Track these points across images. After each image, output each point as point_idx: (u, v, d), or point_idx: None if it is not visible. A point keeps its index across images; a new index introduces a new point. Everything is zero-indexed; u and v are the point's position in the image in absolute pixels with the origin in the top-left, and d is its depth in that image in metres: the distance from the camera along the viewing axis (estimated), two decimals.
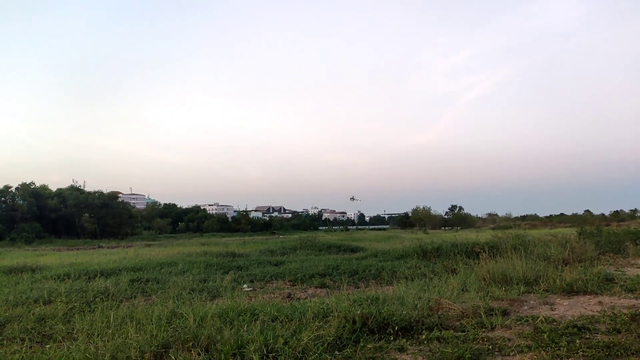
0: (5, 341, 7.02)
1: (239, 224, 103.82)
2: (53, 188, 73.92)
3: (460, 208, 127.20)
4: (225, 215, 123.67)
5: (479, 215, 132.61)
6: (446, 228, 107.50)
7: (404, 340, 6.54)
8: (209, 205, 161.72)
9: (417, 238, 28.74)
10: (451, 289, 10.11)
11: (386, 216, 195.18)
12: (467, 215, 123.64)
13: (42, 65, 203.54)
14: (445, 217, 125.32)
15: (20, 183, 68.04)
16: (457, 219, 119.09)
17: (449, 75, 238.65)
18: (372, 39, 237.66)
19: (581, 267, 12.73)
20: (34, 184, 69.89)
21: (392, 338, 6.62)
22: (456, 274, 12.76)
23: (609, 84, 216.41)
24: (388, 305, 7.98)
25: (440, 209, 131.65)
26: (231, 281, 13.68)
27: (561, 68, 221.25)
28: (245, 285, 13.32)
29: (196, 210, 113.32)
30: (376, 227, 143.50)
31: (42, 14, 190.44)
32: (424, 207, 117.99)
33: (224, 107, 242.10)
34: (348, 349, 6.08)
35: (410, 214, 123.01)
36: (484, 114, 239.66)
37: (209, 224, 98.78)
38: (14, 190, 66.73)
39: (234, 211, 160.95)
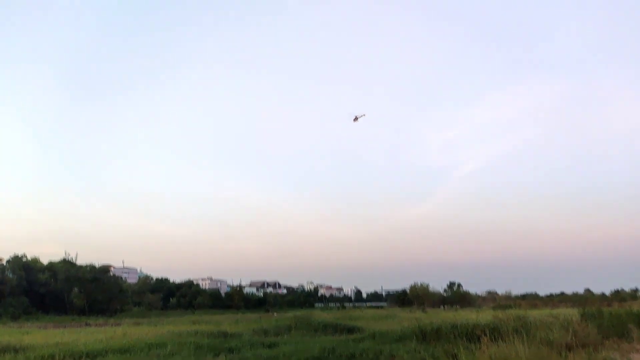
0: None
1: (232, 300, 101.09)
2: (45, 260, 72.61)
3: (459, 285, 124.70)
4: (219, 291, 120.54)
5: (479, 293, 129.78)
6: (445, 306, 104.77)
7: None
8: (202, 279, 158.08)
9: (415, 318, 28.01)
10: None
11: (384, 293, 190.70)
12: (467, 293, 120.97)
13: (33, 137, 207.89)
14: (444, 294, 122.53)
15: (12, 255, 66.97)
16: (456, 297, 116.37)
17: (443, 149, 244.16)
18: (366, 111, 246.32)
19: (585, 353, 12.35)
20: (25, 256, 68.72)
21: None
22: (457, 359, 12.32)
23: (603, 161, 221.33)
24: None
25: (438, 285, 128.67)
26: None
27: (555, 142, 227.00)
28: None
29: (189, 285, 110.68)
30: (374, 304, 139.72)
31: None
32: (422, 284, 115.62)
33: (218, 178, 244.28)
34: None
35: (408, 291, 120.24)
36: (479, 188, 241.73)
37: (201, 300, 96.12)
38: (4, 263, 65.51)
39: (228, 286, 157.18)
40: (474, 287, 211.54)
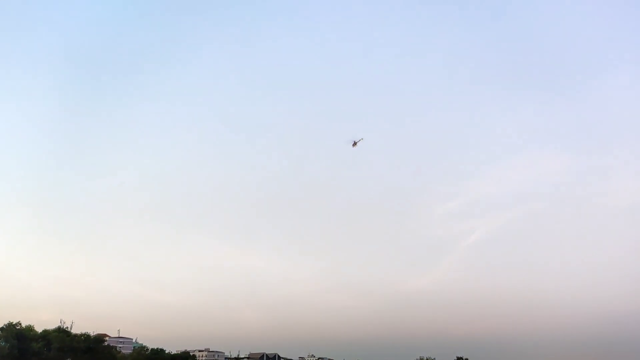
0: None
1: None
2: (40, 328, 71.03)
3: None
4: None
5: None
6: None
7: None
8: (199, 351, 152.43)
9: None
10: None
11: None
12: None
13: (34, 199, 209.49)
14: None
15: (7, 323, 65.63)
16: None
17: (446, 220, 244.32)
18: (371, 181, 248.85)
19: None
20: (20, 324, 67.27)
21: None
22: None
23: (607, 232, 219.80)
24: None
25: (445, 359, 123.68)
26: None
27: (559, 215, 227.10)
28: None
29: (185, 356, 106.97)
30: None
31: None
32: (427, 358, 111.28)
33: (218, 247, 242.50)
34: None
35: None
36: (484, 257, 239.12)
37: None
38: None
39: (225, 358, 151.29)
40: None
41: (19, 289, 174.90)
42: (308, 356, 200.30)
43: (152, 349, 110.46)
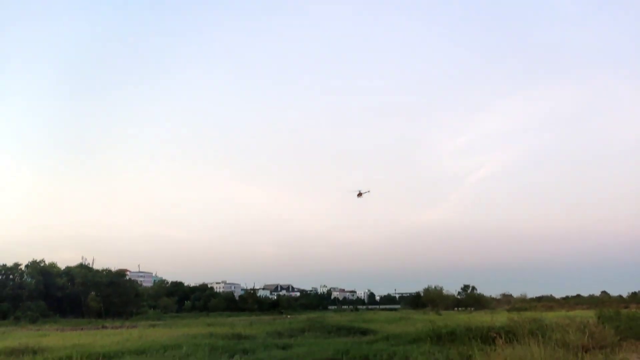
0: None
1: (246, 303, 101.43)
2: (62, 265, 73.73)
3: (473, 288, 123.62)
4: (233, 294, 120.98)
5: (493, 296, 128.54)
6: (459, 309, 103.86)
7: None
8: (217, 283, 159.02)
9: (429, 320, 27.85)
10: None
11: (397, 295, 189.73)
12: (481, 296, 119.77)
13: (53, 146, 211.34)
14: (458, 297, 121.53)
15: (30, 261, 68.14)
16: (471, 299, 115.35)
17: (456, 155, 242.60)
18: (380, 115, 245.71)
19: (602, 355, 12.20)
20: (43, 261, 69.80)
21: None
22: None
23: (615, 163, 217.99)
24: None
25: (452, 288, 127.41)
26: None
27: (567, 148, 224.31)
28: None
29: (203, 288, 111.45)
30: (387, 307, 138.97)
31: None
32: (435, 287, 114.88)
33: (231, 183, 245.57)
34: None
35: (422, 294, 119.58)
36: (492, 192, 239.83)
37: (215, 302, 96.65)
38: (23, 268, 66.66)
39: (242, 289, 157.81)
40: (489, 289, 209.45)
41: (40, 229, 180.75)
42: (320, 287, 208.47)
43: (172, 282, 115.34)
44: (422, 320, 36.94)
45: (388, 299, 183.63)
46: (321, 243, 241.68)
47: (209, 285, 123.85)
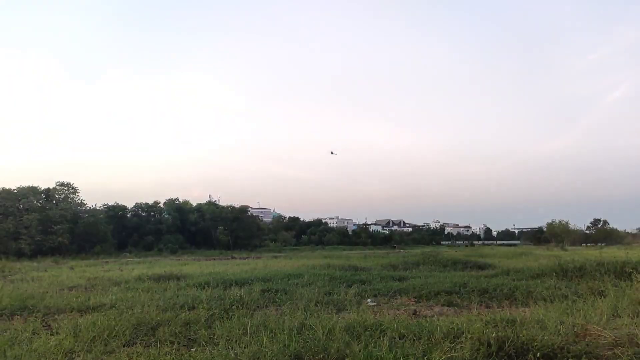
0: (158, 343, 7.80)
1: (359, 237, 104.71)
2: (193, 202, 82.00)
3: (605, 222, 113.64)
4: (346, 229, 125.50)
5: (628, 230, 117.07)
6: (588, 244, 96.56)
7: None
8: (330, 218, 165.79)
9: (554, 255, 26.28)
10: (599, 314, 8.98)
11: (516, 231, 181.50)
12: (613, 230, 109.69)
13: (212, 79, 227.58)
14: (587, 232, 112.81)
15: (167, 199, 76.80)
16: (601, 234, 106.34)
17: (587, 74, 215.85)
18: (500, 36, 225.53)
19: None
20: (178, 199, 78.36)
21: None
22: (604, 297, 11.34)
23: None
24: (526, 328, 7.35)
25: (580, 222, 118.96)
26: (355, 295, 13.74)
27: None
28: (369, 300, 13.29)
29: (318, 223, 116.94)
30: (505, 242, 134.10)
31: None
32: (560, 221, 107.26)
33: (344, 120, 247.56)
34: None
35: (544, 229, 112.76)
36: (630, 116, 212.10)
37: (330, 237, 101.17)
38: (161, 206, 75.38)
39: (354, 224, 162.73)
40: (623, 224, 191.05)
41: (173, 170, 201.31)
42: (433, 222, 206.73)
43: (289, 218, 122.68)
44: (545, 256, 35.00)
45: (506, 235, 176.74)
46: (434, 177, 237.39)
47: (323, 221, 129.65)
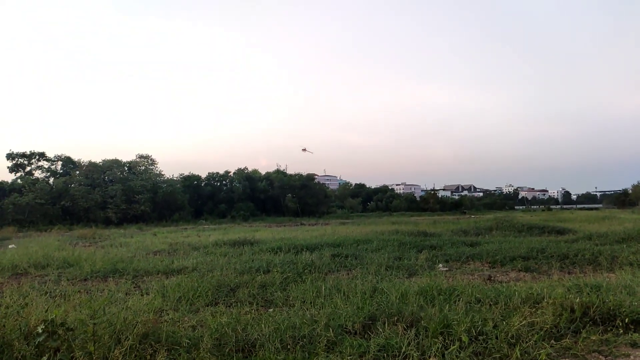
0: (238, 303, 8.24)
1: (427, 203, 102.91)
2: (262, 171, 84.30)
3: None
4: (413, 195, 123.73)
5: None
6: None
7: (637, 335, 5.65)
8: (397, 185, 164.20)
9: None
10: None
11: (598, 194, 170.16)
12: None
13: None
14: None
15: (237, 169, 79.56)
16: None
17: None
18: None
19: None
20: (247, 169, 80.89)
21: (621, 331, 5.77)
22: None
23: None
24: (613, 294, 6.97)
25: None
26: (426, 260, 13.65)
27: None
28: (440, 265, 13.15)
29: (384, 190, 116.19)
30: (585, 206, 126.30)
31: None
32: None
33: (411, 85, 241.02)
34: (567, 340, 5.51)
35: (629, 191, 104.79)
36: None
37: (397, 203, 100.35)
38: (232, 175, 78.22)
39: (422, 190, 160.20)
40: None
41: (241, 140, 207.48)
42: (506, 186, 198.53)
43: (355, 184, 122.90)
44: (631, 220, 32.71)
45: (587, 198, 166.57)
46: (505, 142, 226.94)
47: (390, 187, 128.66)
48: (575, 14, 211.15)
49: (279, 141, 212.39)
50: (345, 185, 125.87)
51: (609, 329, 5.88)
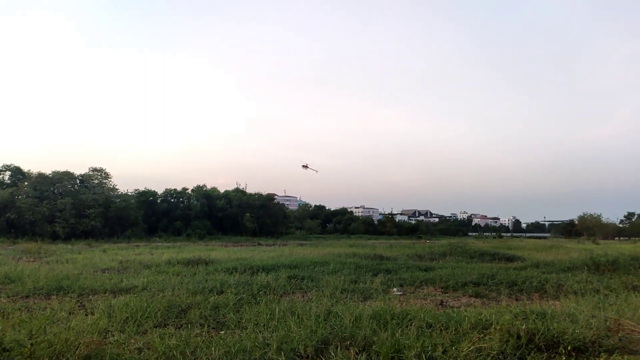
0: (189, 325, 8.01)
1: (384, 227, 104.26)
2: (221, 189, 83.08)
3: None
4: (371, 218, 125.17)
5: None
6: (621, 238, 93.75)
7: None
8: (355, 207, 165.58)
9: (586, 249, 25.66)
10: (633, 309, 8.77)
11: (546, 223, 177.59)
12: None
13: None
14: (620, 225, 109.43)
15: (195, 186, 78.06)
16: (636, 228, 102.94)
17: (627, 63, 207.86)
18: (535, 24, 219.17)
19: None
20: (205, 186, 79.50)
21: (563, 358, 5.98)
22: (638, 292, 11.05)
23: None
24: (557, 321, 7.24)
25: (613, 216, 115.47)
26: (381, 284, 13.76)
27: None
28: (395, 289, 13.28)
29: (343, 212, 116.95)
30: (534, 234, 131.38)
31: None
32: (592, 214, 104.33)
33: (371, 109, 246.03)
34: None
35: (576, 222, 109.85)
36: None
37: (355, 226, 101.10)
38: (189, 192, 76.66)
39: (380, 214, 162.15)
40: None
41: (201, 158, 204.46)
42: (460, 213, 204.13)
43: (315, 206, 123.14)
44: (576, 249, 34.17)
45: (536, 227, 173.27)
46: (462, 167, 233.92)
47: (349, 209, 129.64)
48: (522, 50, 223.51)
49: (239, 159, 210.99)
50: (304, 207, 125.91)
51: (552, 355, 6.08)
